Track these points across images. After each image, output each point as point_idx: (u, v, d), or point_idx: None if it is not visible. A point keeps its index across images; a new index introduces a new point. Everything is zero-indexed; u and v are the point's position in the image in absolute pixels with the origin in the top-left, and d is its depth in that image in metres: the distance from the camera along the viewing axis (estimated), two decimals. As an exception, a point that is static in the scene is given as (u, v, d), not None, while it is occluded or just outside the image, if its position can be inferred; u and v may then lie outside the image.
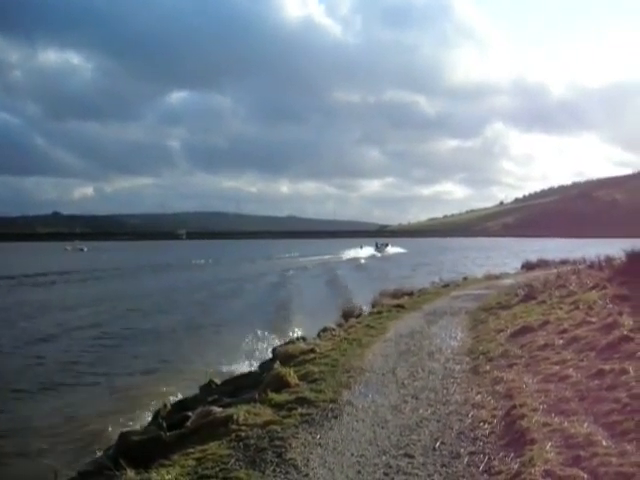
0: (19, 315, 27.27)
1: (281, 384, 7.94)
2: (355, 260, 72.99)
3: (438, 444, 5.56)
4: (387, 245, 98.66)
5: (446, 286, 24.57)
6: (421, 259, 71.55)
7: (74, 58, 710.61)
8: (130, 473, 5.43)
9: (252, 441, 5.85)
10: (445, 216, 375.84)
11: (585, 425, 5.32)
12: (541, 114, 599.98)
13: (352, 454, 5.47)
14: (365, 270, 57.34)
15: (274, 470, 5.18)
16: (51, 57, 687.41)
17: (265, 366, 11.71)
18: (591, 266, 20.21)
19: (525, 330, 10.43)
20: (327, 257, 76.16)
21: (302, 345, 11.51)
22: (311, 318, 21.63)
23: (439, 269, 47.42)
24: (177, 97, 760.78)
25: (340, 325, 14.82)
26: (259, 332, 19.31)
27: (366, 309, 18.66)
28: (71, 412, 12.22)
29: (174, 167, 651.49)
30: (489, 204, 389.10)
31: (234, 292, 37.21)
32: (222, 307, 29.82)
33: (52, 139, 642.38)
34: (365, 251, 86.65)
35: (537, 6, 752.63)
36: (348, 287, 36.41)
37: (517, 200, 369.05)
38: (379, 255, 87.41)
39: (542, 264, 33.37)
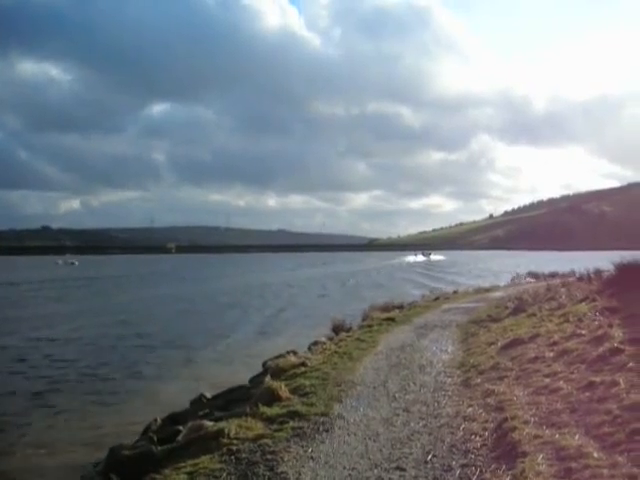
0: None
1: (272, 398, 7.91)
2: (423, 262, 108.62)
3: (430, 457, 5.55)
4: (430, 254, 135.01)
5: (437, 299, 24.66)
6: (459, 260, 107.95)
7: (52, 70, 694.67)
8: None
9: (244, 455, 5.83)
10: (434, 229, 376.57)
11: (576, 437, 5.33)
12: (526, 126, 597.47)
13: (344, 467, 5.45)
14: (440, 265, 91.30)
15: (266, 484, 5.20)
16: (29, 69, 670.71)
17: (255, 380, 11.66)
18: (580, 278, 20.30)
19: (515, 343, 10.45)
20: (396, 261, 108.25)
21: (293, 359, 11.47)
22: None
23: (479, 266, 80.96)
24: (159, 109, 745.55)
25: (331, 339, 14.80)
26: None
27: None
28: (61, 425, 11.92)
29: (160, 180, 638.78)
30: (478, 217, 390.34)
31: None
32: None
33: (35, 152, 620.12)
34: (419, 258, 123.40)
35: (518, 18, 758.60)
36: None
37: (506, 213, 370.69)
38: (432, 260, 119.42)
39: (532, 277, 33.59)
